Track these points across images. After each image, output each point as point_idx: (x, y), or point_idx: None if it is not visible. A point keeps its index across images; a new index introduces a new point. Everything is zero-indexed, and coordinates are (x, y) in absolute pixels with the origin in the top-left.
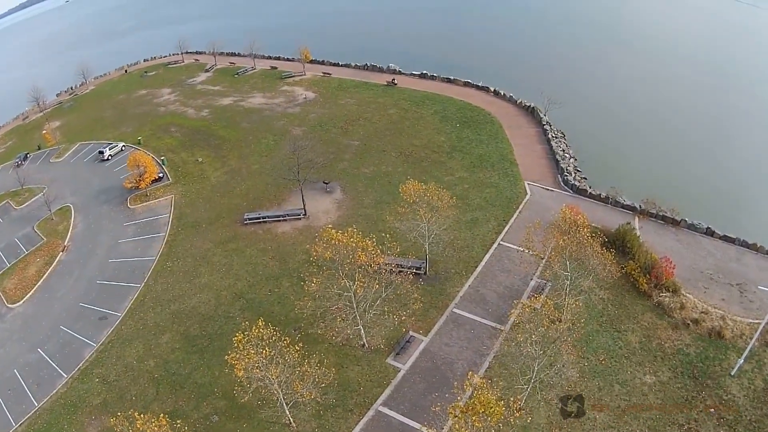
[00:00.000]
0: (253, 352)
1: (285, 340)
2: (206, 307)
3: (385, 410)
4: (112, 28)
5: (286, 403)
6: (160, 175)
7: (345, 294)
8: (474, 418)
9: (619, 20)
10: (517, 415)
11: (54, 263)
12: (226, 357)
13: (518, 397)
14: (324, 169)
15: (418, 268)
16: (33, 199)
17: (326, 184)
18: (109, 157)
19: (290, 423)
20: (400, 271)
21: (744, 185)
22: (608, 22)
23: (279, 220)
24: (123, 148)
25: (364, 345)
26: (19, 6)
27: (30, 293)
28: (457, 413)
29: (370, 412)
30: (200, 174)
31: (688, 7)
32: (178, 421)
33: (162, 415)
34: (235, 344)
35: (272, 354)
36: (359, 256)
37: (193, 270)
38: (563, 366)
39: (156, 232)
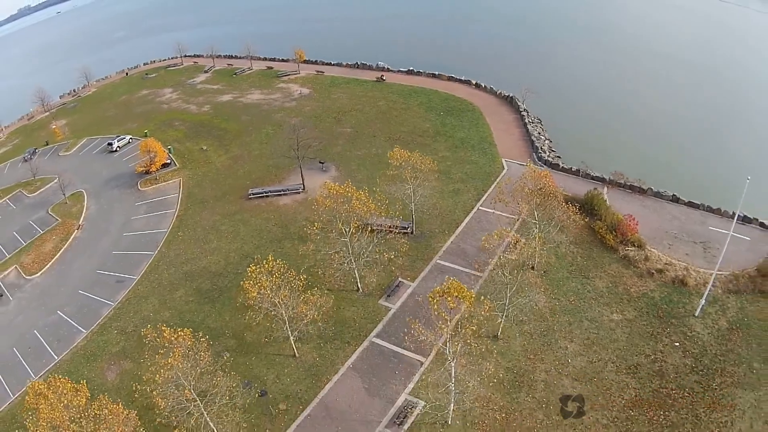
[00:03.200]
0: (264, 278)
1: (291, 272)
2: (216, 266)
3: (378, 341)
4: (107, 37)
5: (291, 331)
6: (168, 161)
7: (342, 239)
8: (449, 298)
9: (593, 16)
10: (487, 309)
11: (70, 240)
12: (242, 282)
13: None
14: (320, 152)
15: (405, 228)
16: (46, 187)
17: (322, 164)
18: (118, 149)
19: (294, 354)
20: (388, 232)
21: (709, 158)
22: (583, 18)
23: (280, 194)
24: (131, 141)
25: (358, 289)
26: (10, 18)
27: (48, 266)
28: (435, 296)
29: (365, 343)
30: (205, 160)
31: (661, 5)
32: (198, 333)
33: (186, 329)
34: (249, 273)
35: (280, 282)
36: (354, 205)
37: (203, 237)
38: (532, 293)
39: (167, 209)
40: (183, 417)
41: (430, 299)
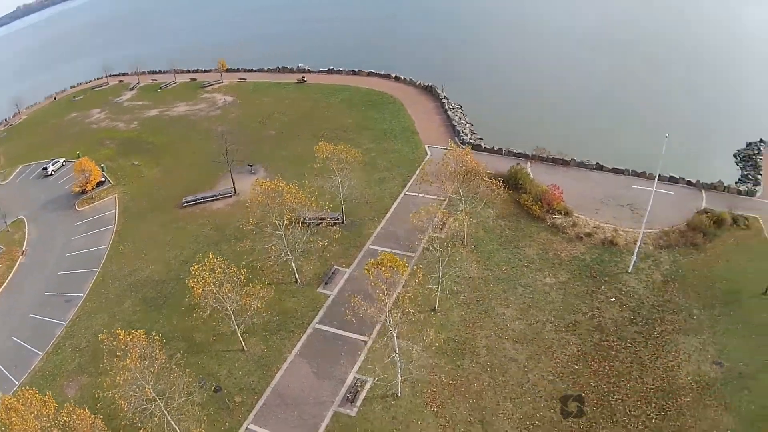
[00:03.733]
0: (207, 275)
1: (232, 267)
2: (159, 274)
3: (321, 327)
4: (36, 63)
5: (237, 325)
6: (102, 179)
7: (276, 232)
8: (383, 269)
9: (502, 7)
10: (421, 278)
11: (15, 267)
12: (187, 281)
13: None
14: (248, 156)
15: (336, 218)
16: None
17: (250, 166)
18: (53, 173)
19: (243, 348)
20: (319, 224)
21: (629, 125)
22: (495, 8)
23: (213, 200)
24: (64, 164)
25: (297, 281)
26: None
27: None
28: (370, 268)
29: (309, 330)
30: (138, 174)
31: None
32: (152, 333)
33: (140, 331)
34: (193, 273)
35: (222, 277)
36: (286, 198)
37: (143, 249)
38: (463, 264)
39: (105, 226)
40: (146, 418)
41: (366, 271)
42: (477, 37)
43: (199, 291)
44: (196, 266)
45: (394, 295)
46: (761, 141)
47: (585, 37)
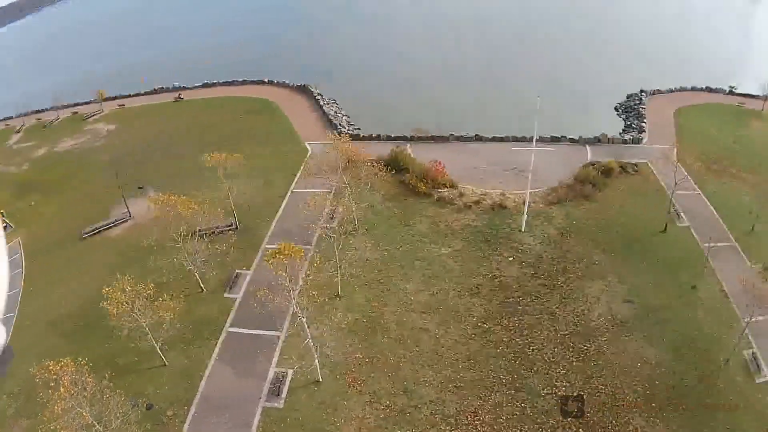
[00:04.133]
0: (120, 295)
1: (142, 285)
2: (73, 307)
3: (234, 330)
4: None
5: (155, 340)
6: (4, 225)
7: (176, 245)
8: (281, 257)
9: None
10: (319, 261)
11: None
12: (101, 305)
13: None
14: (137, 179)
15: (230, 226)
16: None
17: (141, 188)
18: None
19: (164, 362)
20: (214, 233)
21: (502, 94)
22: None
23: (111, 227)
24: None
25: (202, 290)
26: None
27: None
28: (270, 258)
29: (223, 335)
30: (37, 214)
31: None
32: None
33: (67, 358)
34: (105, 295)
35: (133, 296)
36: (180, 209)
37: (54, 286)
38: (359, 246)
39: (14, 270)
40: None
41: (266, 262)
42: (341, 33)
43: (114, 311)
44: (107, 289)
45: (299, 283)
46: (642, 91)
47: (446, 18)
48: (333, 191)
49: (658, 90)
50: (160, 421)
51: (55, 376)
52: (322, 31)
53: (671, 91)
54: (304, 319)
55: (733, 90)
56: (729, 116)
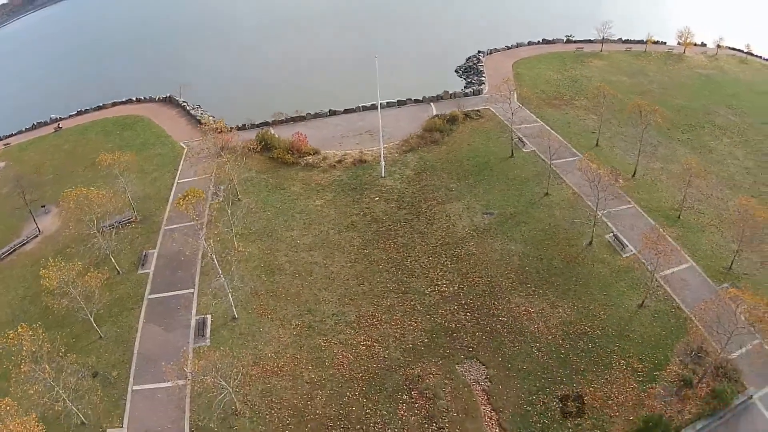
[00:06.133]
0: (55, 271)
1: (70, 264)
2: (4, 314)
3: (153, 296)
4: None
5: (90, 314)
6: None
7: (91, 232)
8: (191, 199)
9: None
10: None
11: None
12: (41, 272)
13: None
14: (38, 201)
15: (131, 217)
16: None
17: (43, 207)
18: None
19: (100, 335)
20: (118, 225)
21: (347, 73)
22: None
23: (24, 244)
24: None
25: (119, 272)
26: None
27: None
28: (180, 201)
29: (145, 302)
30: None
31: None
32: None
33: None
34: (42, 275)
35: (67, 273)
36: (93, 199)
37: None
38: (244, 210)
39: None
40: (51, 404)
41: (178, 206)
42: (192, 42)
43: (55, 283)
44: (43, 271)
45: (203, 230)
46: (479, 52)
47: (280, 13)
48: (213, 173)
49: (495, 49)
50: (108, 382)
51: (16, 342)
52: (177, 43)
53: (508, 48)
54: (214, 256)
55: (571, 38)
56: (568, 60)
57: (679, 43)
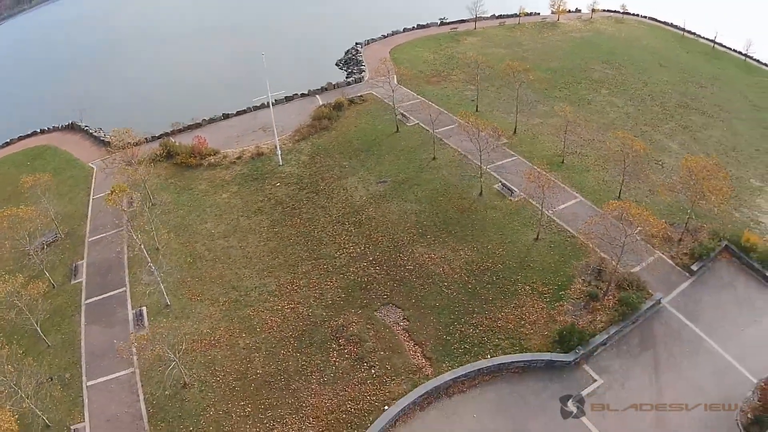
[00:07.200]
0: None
1: (13, 277)
2: None
3: (89, 300)
4: None
5: (36, 323)
6: None
7: (24, 249)
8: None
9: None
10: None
11: None
12: None
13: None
14: None
15: (56, 235)
16: None
17: None
18: None
19: (48, 344)
20: (45, 244)
21: (229, 79)
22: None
23: None
24: None
25: (53, 286)
26: None
27: None
28: (109, 197)
29: (83, 307)
30: None
31: None
32: None
33: None
34: None
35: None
36: (22, 215)
37: None
38: (161, 210)
39: None
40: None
41: (108, 201)
42: (83, 70)
43: (2, 295)
44: None
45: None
46: (357, 43)
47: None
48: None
49: (372, 39)
50: (64, 383)
51: None
52: (71, 69)
53: (384, 36)
54: (142, 246)
55: (444, 21)
56: (443, 41)
57: (552, 12)
